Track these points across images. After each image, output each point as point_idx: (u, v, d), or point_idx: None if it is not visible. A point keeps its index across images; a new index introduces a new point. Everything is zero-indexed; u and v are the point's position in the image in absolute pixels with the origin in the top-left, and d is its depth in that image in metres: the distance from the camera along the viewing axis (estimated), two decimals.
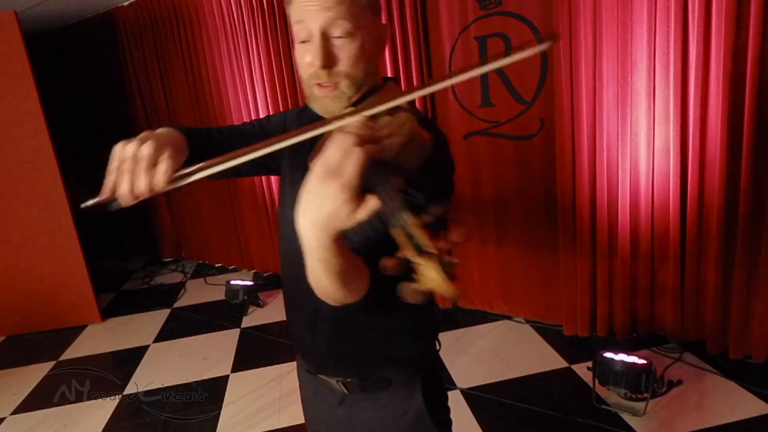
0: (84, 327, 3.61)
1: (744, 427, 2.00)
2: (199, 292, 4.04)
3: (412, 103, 0.82)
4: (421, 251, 0.56)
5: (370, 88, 0.84)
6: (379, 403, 1.00)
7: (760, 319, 2.24)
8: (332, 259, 0.65)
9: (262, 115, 3.64)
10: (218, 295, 3.80)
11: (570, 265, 2.63)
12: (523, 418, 2.20)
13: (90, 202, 0.73)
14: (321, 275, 0.68)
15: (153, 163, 0.69)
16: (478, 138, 2.81)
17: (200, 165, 0.68)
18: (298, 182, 0.65)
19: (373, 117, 0.68)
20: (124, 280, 4.47)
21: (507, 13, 2.54)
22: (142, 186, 0.69)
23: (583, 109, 2.39)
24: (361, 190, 0.59)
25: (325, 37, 0.79)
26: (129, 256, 4.93)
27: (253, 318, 3.46)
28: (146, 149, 0.68)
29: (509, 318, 3.02)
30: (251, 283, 3.67)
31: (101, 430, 2.44)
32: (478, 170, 2.87)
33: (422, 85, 0.75)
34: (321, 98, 0.84)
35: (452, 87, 2.82)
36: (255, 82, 3.59)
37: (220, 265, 4.53)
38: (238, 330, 3.31)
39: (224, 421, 2.41)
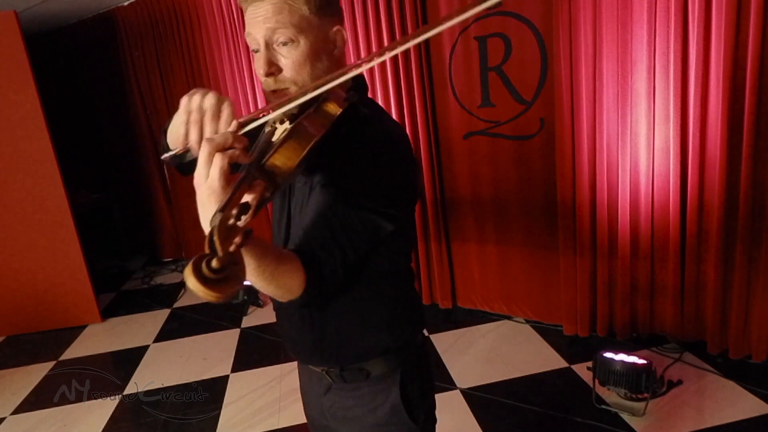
0: (84, 327, 3.61)
1: (744, 427, 2.00)
2: None
3: (356, 92, 0.91)
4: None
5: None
6: (359, 393, 1.03)
7: (760, 319, 2.24)
8: (252, 262, 0.72)
9: None
10: None
11: (570, 265, 2.63)
12: (523, 418, 2.20)
13: (168, 154, 0.85)
14: (251, 279, 0.74)
15: (217, 112, 0.74)
16: (478, 138, 2.81)
17: (257, 111, 0.79)
18: None
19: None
20: (124, 280, 4.46)
21: (507, 13, 2.54)
22: (209, 132, 0.74)
23: (583, 109, 2.39)
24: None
25: (269, 47, 0.85)
26: (129, 256, 4.93)
27: (253, 318, 3.46)
28: (209, 100, 0.75)
29: (509, 318, 3.02)
30: (251, 283, 3.67)
31: (101, 430, 2.44)
32: (478, 170, 2.87)
33: (339, 72, 0.74)
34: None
35: (452, 86, 2.82)
36: (255, 82, 3.59)
37: None
38: (238, 330, 3.31)
39: (224, 421, 2.41)
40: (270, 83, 0.87)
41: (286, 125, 0.81)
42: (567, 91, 2.41)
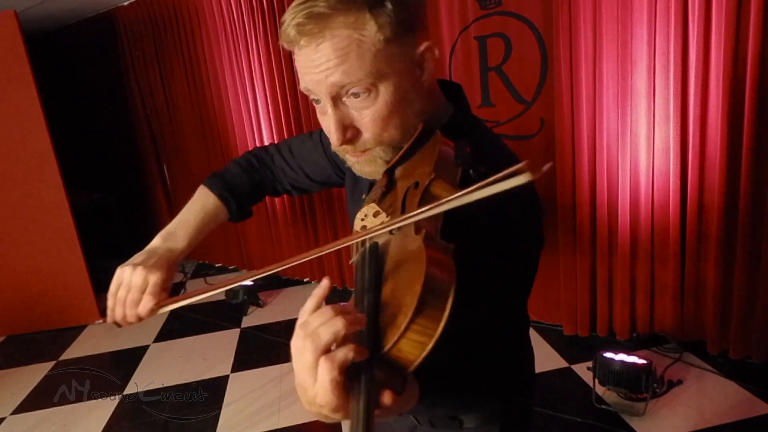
0: (84, 327, 3.61)
1: (744, 427, 2.00)
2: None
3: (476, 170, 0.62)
4: None
5: (412, 143, 0.68)
6: None
7: (760, 319, 2.23)
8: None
9: (262, 116, 3.63)
10: (218, 295, 3.79)
11: (570, 265, 2.63)
12: None
13: (99, 321, 0.84)
14: None
15: (139, 297, 0.77)
16: None
17: (180, 296, 0.78)
18: (357, 203, 0.64)
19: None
20: None
21: (507, 13, 2.54)
22: (130, 317, 0.78)
23: (583, 109, 2.39)
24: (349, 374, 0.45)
25: (338, 103, 0.65)
26: (129, 256, 4.91)
27: (253, 318, 3.46)
28: (136, 279, 0.76)
29: None
30: (251, 283, 3.67)
31: (101, 430, 2.44)
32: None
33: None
34: (354, 163, 0.72)
35: None
36: (255, 82, 3.59)
37: (220, 265, 4.53)
38: (238, 330, 3.31)
39: (224, 421, 2.41)
40: (347, 149, 0.69)
41: (387, 248, 0.56)
42: (567, 91, 2.41)
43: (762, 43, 1.97)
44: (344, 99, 0.65)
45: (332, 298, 0.60)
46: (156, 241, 0.92)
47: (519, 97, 2.64)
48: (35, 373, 3.05)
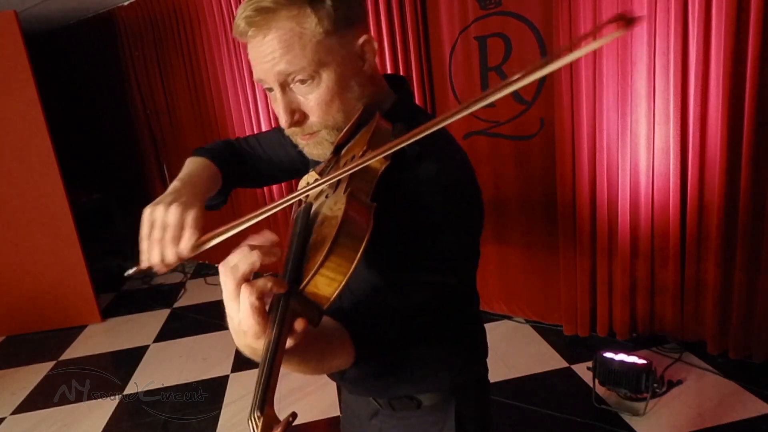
0: (84, 327, 3.61)
1: (744, 427, 2.00)
2: (199, 292, 4.04)
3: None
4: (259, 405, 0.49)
5: (353, 123, 0.74)
6: (408, 423, 0.94)
7: (760, 319, 2.23)
8: (291, 364, 0.61)
9: (262, 116, 3.64)
10: (218, 295, 3.73)
11: (570, 265, 2.63)
12: (523, 418, 2.20)
13: (131, 271, 0.75)
14: (294, 371, 0.64)
15: (179, 233, 0.69)
16: (478, 138, 2.81)
17: (220, 230, 0.67)
18: None
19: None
20: (124, 280, 4.47)
21: (507, 13, 2.54)
22: (170, 257, 0.70)
23: (583, 109, 2.39)
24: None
25: (286, 89, 0.72)
26: (129, 256, 4.93)
27: None
28: (172, 216, 0.69)
29: (509, 318, 3.02)
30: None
31: (101, 430, 2.44)
32: (478, 170, 2.83)
33: (423, 126, 0.55)
34: (304, 146, 0.79)
35: (452, 86, 2.82)
36: (255, 82, 3.59)
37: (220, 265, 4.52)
38: None
39: (224, 421, 2.41)
40: (296, 131, 0.75)
41: (320, 208, 0.65)
42: (567, 91, 2.41)
43: (762, 43, 1.97)
44: (291, 86, 0.71)
45: None
46: (176, 184, 0.83)
47: (519, 97, 2.64)
48: (35, 373, 3.05)
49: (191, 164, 0.91)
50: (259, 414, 0.49)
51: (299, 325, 0.51)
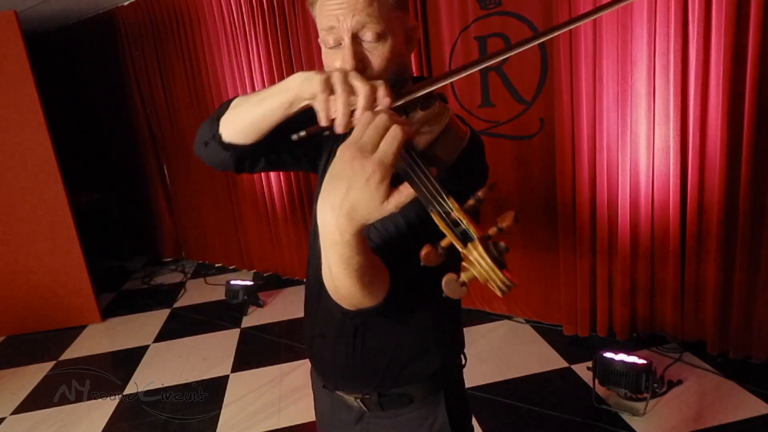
0: (84, 327, 3.61)
1: (744, 427, 2.00)
2: (199, 292, 4.04)
3: (443, 97, 0.81)
4: (466, 239, 0.52)
5: (402, 87, 0.81)
6: (399, 420, 0.95)
7: (760, 319, 2.24)
8: (354, 256, 0.61)
9: None
10: (218, 295, 3.80)
11: (570, 265, 2.63)
12: (523, 418, 2.20)
13: (302, 133, 0.70)
14: (339, 274, 0.64)
15: (373, 101, 0.67)
16: None
17: (417, 85, 0.72)
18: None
19: (409, 109, 0.69)
20: (124, 280, 4.46)
21: (507, 13, 2.54)
22: (363, 103, 0.66)
23: (583, 109, 2.39)
24: (394, 178, 0.56)
25: (356, 41, 0.77)
26: (129, 256, 4.93)
27: (253, 318, 3.45)
28: (362, 88, 0.66)
29: (509, 318, 3.02)
30: (251, 283, 3.67)
31: (101, 430, 2.44)
32: None
33: (447, 73, 0.72)
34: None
35: (452, 86, 2.82)
36: (255, 83, 3.59)
37: (220, 265, 4.53)
38: (238, 330, 3.31)
39: (224, 421, 2.41)
40: None
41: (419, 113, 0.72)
42: (567, 91, 2.41)
43: (762, 43, 1.97)
44: (361, 41, 0.77)
45: None
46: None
47: (519, 97, 2.64)
48: (35, 373, 3.05)
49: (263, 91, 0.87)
50: (446, 198, 0.54)
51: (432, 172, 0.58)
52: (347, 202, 0.56)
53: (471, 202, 0.54)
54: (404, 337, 0.90)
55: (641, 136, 2.32)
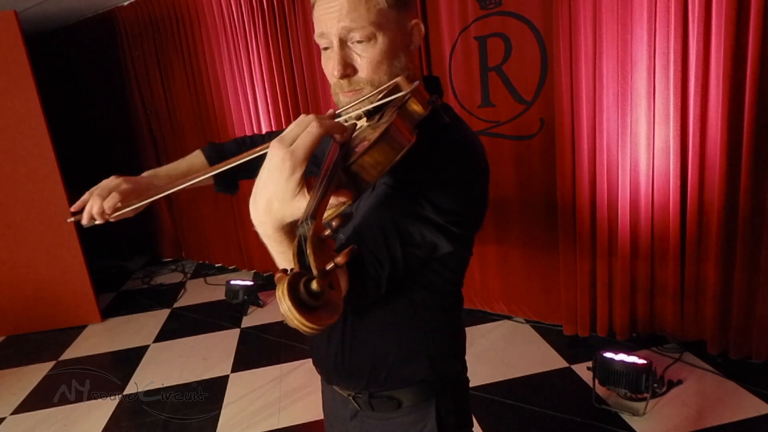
0: (84, 327, 3.61)
1: (744, 427, 2.00)
2: (199, 292, 4.04)
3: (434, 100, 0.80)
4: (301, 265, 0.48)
5: (389, 90, 0.81)
6: (389, 423, 0.95)
7: (760, 319, 2.24)
8: (287, 251, 0.64)
9: (262, 116, 3.64)
10: (218, 295, 3.80)
11: (570, 265, 2.63)
12: (523, 418, 2.20)
13: (71, 220, 0.96)
14: (281, 267, 0.66)
15: (108, 193, 0.92)
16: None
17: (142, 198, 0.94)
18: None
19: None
20: (124, 280, 4.46)
21: (507, 13, 2.54)
22: (96, 209, 0.93)
23: (583, 109, 2.39)
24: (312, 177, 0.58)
25: (344, 45, 0.80)
26: (129, 256, 4.93)
27: (253, 318, 3.46)
28: (108, 181, 0.94)
29: (509, 318, 3.02)
30: (251, 283, 3.67)
31: (101, 430, 2.44)
32: None
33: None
34: (345, 104, 0.84)
35: (452, 86, 2.82)
36: (255, 82, 3.59)
37: (220, 265, 4.53)
38: (238, 330, 3.31)
39: (224, 421, 2.41)
40: (343, 85, 0.82)
41: (364, 123, 0.76)
42: (567, 91, 2.41)
43: (762, 43, 1.97)
44: (349, 44, 0.80)
45: None
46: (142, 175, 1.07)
47: (519, 97, 2.64)
48: (35, 373, 3.05)
49: (180, 161, 1.18)
50: (311, 221, 0.52)
51: (343, 193, 0.59)
52: (265, 193, 0.61)
53: (327, 231, 0.51)
54: (390, 339, 0.90)
55: (641, 136, 2.32)
